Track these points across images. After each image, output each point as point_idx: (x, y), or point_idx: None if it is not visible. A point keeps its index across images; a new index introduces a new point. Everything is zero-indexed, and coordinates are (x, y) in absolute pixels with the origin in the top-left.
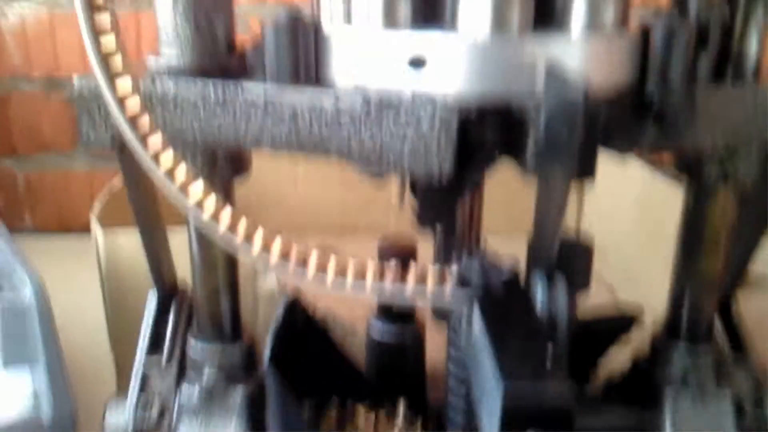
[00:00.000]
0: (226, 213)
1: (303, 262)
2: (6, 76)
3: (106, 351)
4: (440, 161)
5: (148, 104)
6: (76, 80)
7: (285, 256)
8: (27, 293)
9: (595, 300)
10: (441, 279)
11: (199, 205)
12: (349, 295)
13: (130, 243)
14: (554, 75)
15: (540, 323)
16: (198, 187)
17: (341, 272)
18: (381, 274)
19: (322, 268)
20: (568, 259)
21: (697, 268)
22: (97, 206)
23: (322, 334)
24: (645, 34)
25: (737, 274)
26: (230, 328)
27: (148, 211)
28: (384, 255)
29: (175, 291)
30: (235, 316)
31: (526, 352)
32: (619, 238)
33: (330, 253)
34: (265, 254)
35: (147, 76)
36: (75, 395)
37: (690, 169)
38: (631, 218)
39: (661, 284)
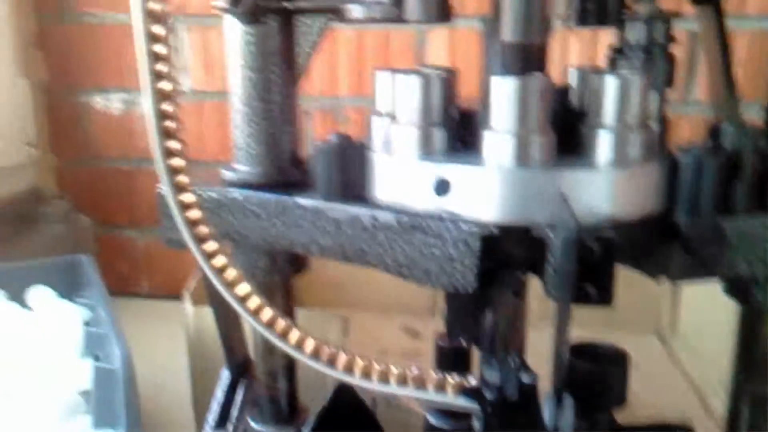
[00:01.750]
0: (267, 311)
1: (332, 361)
2: (135, 156)
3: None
4: (463, 278)
5: (217, 211)
6: (159, 190)
7: (315, 354)
8: (117, 363)
9: (682, 407)
10: (458, 387)
11: (244, 300)
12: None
13: None
14: (562, 207)
15: None
16: (244, 287)
17: (366, 374)
18: (404, 380)
19: (348, 367)
20: (599, 379)
21: (751, 390)
22: (191, 283)
23: (370, 422)
24: (675, 164)
25: None
26: (287, 411)
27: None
28: (440, 353)
29: (245, 371)
30: (293, 399)
31: None
32: (715, 343)
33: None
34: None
35: (219, 187)
36: None
37: (738, 293)
38: (728, 321)
39: None
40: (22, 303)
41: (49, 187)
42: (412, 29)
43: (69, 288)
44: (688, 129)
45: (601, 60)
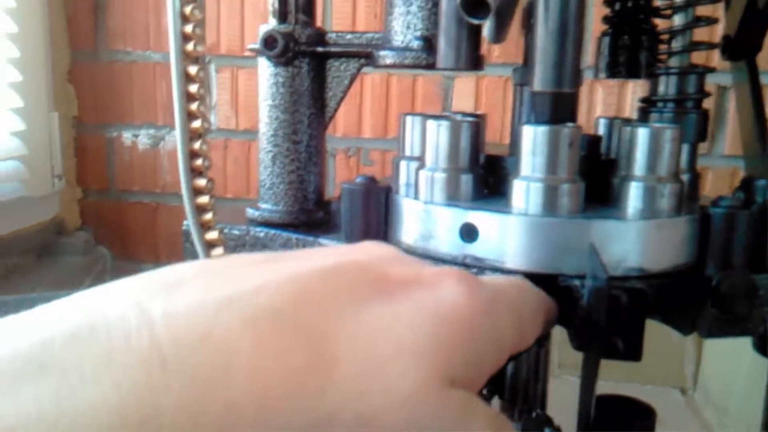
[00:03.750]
0: None
1: None
2: (158, 191)
3: None
4: None
5: (240, 249)
6: (184, 225)
7: None
8: None
9: None
10: None
11: None
12: None
13: None
14: (592, 258)
15: None
16: None
17: None
18: None
19: None
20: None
21: None
22: None
23: None
24: (707, 217)
25: None
26: None
27: None
28: None
29: None
30: None
31: None
32: (740, 397)
33: None
34: None
35: (243, 225)
36: None
37: (766, 349)
38: (752, 375)
39: None
40: None
41: (72, 219)
42: (439, 75)
43: None
44: (714, 182)
45: (628, 110)
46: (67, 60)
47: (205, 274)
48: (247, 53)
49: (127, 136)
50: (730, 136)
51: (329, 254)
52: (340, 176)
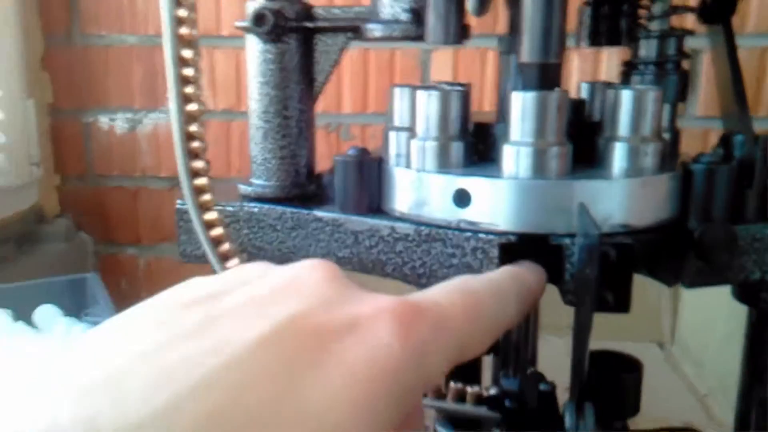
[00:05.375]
0: None
1: None
2: (138, 174)
3: None
4: None
5: (234, 225)
6: (178, 205)
7: None
8: None
9: (687, 415)
10: (477, 397)
11: None
12: None
13: None
14: (582, 217)
15: None
16: None
17: None
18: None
19: None
20: (615, 386)
21: (759, 395)
22: None
23: None
24: (688, 173)
25: None
26: None
27: None
28: None
29: None
30: None
31: None
32: (715, 350)
33: None
34: None
35: (236, 202)
36: None
37: (747, 297)
38: (727, 328)
39: None
40: (29, 322)
41: (51, 206)
42: (417, 48)
43: (75, 307)
44: (687, 142)
45: (603, 77)
46: (40, 46)
47: (142, 362)
48: (224, 32)
49: (103, 120)
50: (702, 98)
51: (265, 305)
52: (320, 152)
